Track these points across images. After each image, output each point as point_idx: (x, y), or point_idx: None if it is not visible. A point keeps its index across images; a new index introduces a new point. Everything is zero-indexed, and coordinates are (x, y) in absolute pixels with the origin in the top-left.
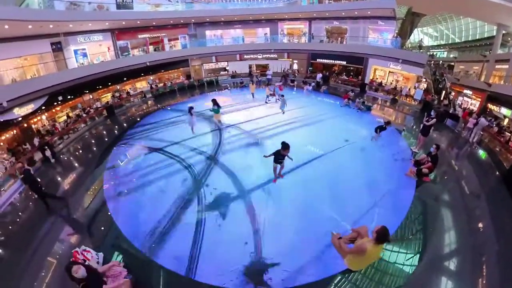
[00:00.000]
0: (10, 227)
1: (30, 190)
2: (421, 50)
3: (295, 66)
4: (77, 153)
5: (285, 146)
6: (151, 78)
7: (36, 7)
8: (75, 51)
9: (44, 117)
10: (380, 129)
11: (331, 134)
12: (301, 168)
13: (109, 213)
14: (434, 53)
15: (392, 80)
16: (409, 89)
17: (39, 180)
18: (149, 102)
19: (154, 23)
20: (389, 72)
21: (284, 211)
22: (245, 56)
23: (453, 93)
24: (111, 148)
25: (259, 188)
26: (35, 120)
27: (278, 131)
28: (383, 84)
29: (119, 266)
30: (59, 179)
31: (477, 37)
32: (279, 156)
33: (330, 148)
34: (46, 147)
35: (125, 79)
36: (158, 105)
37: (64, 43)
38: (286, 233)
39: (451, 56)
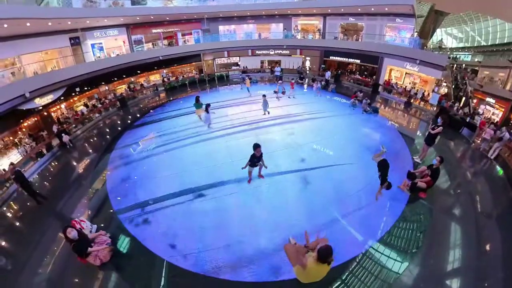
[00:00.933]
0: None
1: (21, 187)
2: (441, 52)
3: (308, 63)
4: (90, 140)
5: (255, 146)
6: (165, 71)
7: (55, 5)
8: (92, 45)
9: (63, 106)
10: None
11: (325, 135)
12: (285, 173)
13: (107, 192)
14: (457, 56)
15: (410, 82)
16: (426, 93)
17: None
18: (161, 94)
19: (167, 18)
20: (406, 73)
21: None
22: (257, 52)
23: (474, 100)
24: (120, 136)
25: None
26: (54, 109)
27: (264, 124)
28: (398, 86)
29: (105, 236)
30: (73, 162)
31: (506, 41)
32: (255, 159)
33: (321, 150)
34: (63, 134)
35: (138, 72)
36: (170, 98)
37: (82, 38)
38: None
39: (476, 60)
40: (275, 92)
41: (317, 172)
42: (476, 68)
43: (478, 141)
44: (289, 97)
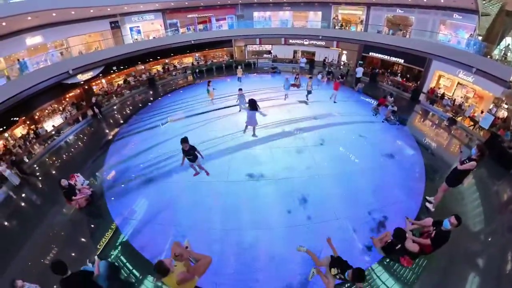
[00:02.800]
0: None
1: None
2: (506, 63)
3: (344, 57)
4: (117, 112)
5: (181, 140)
6: (197, 55)
7: None
8: (131, 29)
9: (103, 80)
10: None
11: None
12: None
13: (105, 156)
14: None
15: (461, 95)
16: (478, 112)
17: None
18: (189, 77)
19: (202, 4)
20: (458, 83)
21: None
22: (291, 41)
23: None
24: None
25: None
26: (94, 83)
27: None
28: (445, 97)
29: (88, 190)
30: (99, 130)
31: None
32: (186, 153)
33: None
34: (95, 106)
35: (172, 54)
36: (198, 81)
37: (121, 22)
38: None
39: None
40: (292, 85)
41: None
42: None
43: None
44: (334, 102)
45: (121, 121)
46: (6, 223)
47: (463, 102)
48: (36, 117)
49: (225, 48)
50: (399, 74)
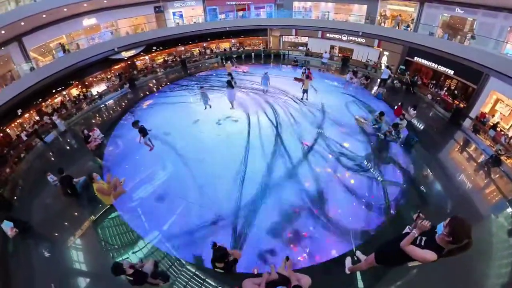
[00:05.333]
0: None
1: None
2: None
3: (385, 59)
4: (149, 84)
5: (132, 124)
6: (233, 41)
7: None
8: (174, 13)
9: (147, 57)
10: None
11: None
12: None
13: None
14: None
15: None
16: None
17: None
18: (219, 62)
19: None
20: None
21: None
22: (328, 35)
23: None
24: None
25: None
26: (137, 59)
27: None
28: (498, 128)
29: (99, 140)
30: (133, 97)
31: None
32: (139, 131)
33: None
34: (129, 81)
35: (208, 39)
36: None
37: (164, 7)
38: None
39: None
40: (297, 80)
41: None
42: None
43: None
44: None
45: (147, 94)
46: (51, 153)
47: None
48: (87, 83)
49: (260, 37)
50: (446, 88)
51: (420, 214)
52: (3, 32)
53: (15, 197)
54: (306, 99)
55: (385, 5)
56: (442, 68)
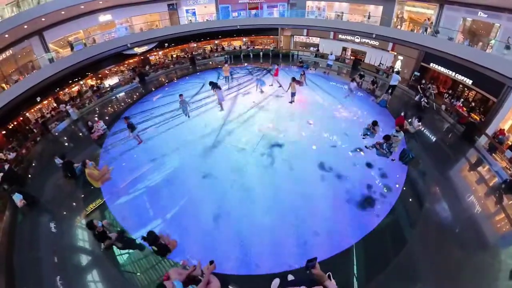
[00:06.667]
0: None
1: None
2: None
3: (398, 64)
4: (159, 79)
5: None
6: (244, 39)
7: None
8: (187, 11)
9: (160, 53)
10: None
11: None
12: None
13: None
14: None
15: None
16: None
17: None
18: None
19: None
20: None
21: None
22: (340, 36)
23: None
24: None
25: None
26: (150, 54)
27: None
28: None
29: (102, 131)
30: (142, 90)
31: None
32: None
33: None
34: (139, 76)
35: (219, 37)
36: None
37: (177, 5)
38: None
39: None
40: (296, 82)
41: None
42: None
43: None
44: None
45: (153, 89)
46: (62, 139)
47: None
48: (100, 75)
49: (271, 36)
50: (462, 100)
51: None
52: (25, 27)
53: (29, 175)
54: (293, 101)
55: (402, 7)
56: (460, 77)
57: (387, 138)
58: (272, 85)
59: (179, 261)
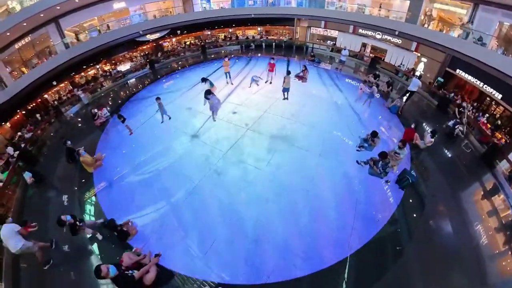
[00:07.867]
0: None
1: None
2: None
3: (421, 67)
4: (168, 66)
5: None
6: (259, 28)
7: None
8: None
9: (174, 39)
10: None
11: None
12: None
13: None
14: None
15: None
16: None
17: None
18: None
19: None
20: None
21: None
22: (360, 31)
23: None
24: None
25: None
26: (163, 41)
27: None
28: None
29: (104, 118)
30: (150, 77)
31: None
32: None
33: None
34: (149, 63)
35: (233, 25)
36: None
37: None
38: None
39: None
40: (298, 78)
41: None
42: None
43: None
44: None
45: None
46: (79, 119)
47: None
48: (114, 61)
49: (287, 26)
50: (487, 115)
51: None
52: (42, 15)
53: (40, 155)
54: (287, 98)
55: (431, 3)
56: (488, 89)
57: (383, 156)
58: (271, 82)
59: (134, 247)
